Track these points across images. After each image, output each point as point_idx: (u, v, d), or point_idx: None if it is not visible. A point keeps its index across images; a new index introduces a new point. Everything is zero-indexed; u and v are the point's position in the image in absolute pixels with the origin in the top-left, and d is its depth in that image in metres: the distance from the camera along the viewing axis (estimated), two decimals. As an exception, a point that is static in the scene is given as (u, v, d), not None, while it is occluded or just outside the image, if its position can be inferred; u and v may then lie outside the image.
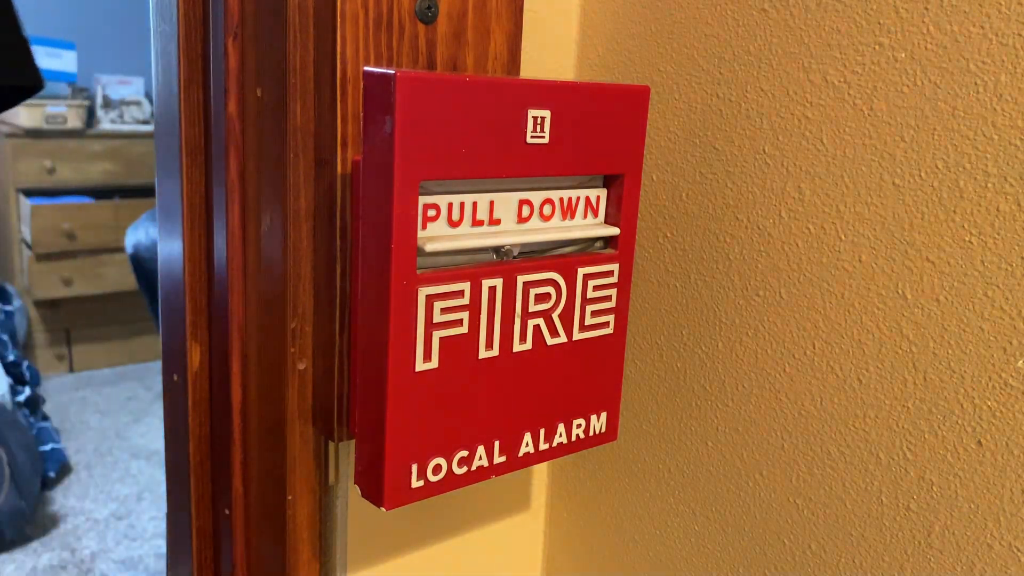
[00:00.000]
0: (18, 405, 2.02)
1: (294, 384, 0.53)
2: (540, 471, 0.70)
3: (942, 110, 0.43)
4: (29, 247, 2.66)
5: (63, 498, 1.99)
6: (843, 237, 0.48)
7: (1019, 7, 0.40)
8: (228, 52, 0.53)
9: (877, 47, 0.46)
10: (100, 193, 2.81)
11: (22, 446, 1.85)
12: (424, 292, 0.44)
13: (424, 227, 0.44)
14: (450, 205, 0.45)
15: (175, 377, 0.64)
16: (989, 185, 0.42)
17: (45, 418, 2.21)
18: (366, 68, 0.42)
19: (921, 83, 0.44)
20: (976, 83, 0.42)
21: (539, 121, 0.46)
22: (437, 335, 0.45)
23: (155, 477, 2.12)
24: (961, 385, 0.44)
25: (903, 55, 0.45)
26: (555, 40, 0.61)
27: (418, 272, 0.44)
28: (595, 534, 0.67)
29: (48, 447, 2.05)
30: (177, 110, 0.57)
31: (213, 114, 0.56)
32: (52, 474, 2.01)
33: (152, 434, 2.36)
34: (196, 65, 0.57)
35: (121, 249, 2.69)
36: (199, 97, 0.57)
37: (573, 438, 0.54)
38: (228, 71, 0.53)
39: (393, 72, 0.40)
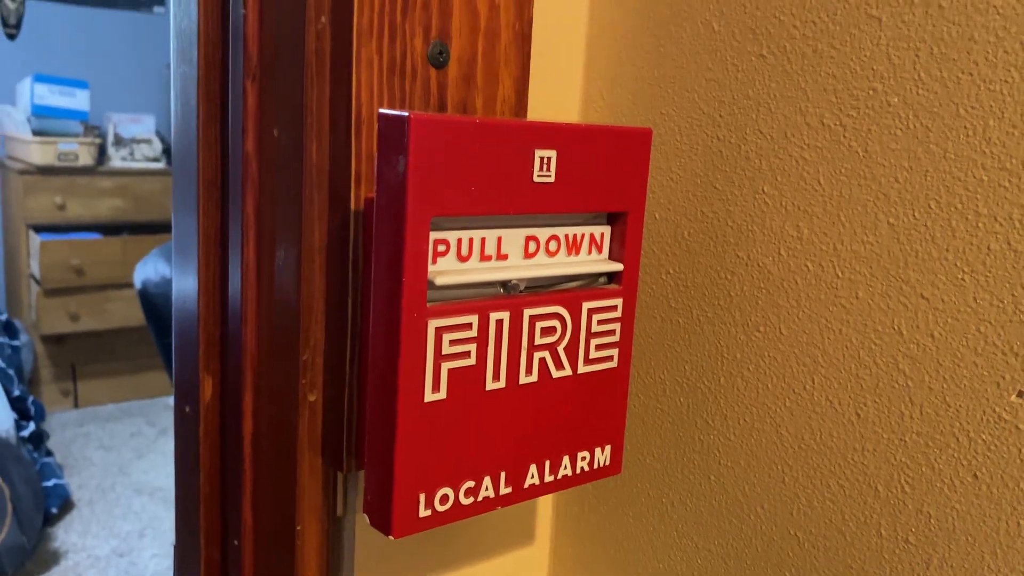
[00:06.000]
0: (22, 440, 2.03)
1: (304, 415, 0.54)
2: (544, 503, 0.71)
3: (934, 152, 0.45)
4: (38, 282, 2.68)
5: (65, 534, 1.99)
6: (840, 275, 0.50)
7: (1004, 55, 0.42)
8: (246, 93, 0.55)
9: (871, 92, 0.47)
10: (108, 229, 2.84)
11: (25, 481, 1.85)
12: (434, 324, 0.45)
13: (434, 261, 0.46)
14: (459, 240, 0.46)
15: (187, 409, 0.65)
16: (980, 225, 0.43)
17: (49, 453, 2.21)
18: (381, 110, 0.43)
19: (913, 126, 0.46)
20: (966, 127, 0.44)
21: (546, 161, 0.48)
22: (446, 366, 0.46)
23: (157, 514, 2.11)
24: (956, 419, 0.45)
25: (896, 100, 0.46)
26: (561, 83, 0.63)
27: (428, 305, 0.45)
28: (598, 566, 0.68)
29: (51, 483, 2.05)
30: (195, 147, 0.59)
31: (230, 152, 0.58)
32: (54, 510, 2.01)
33: (155, 470, 2.35)
34: (214, 105, 0.59)
35: (128, 285, 2.71)
36: (217, 135, 0.59)
37: (578, 470, 0.55)
38: (246, 111, 0.55)
39: (407, 115, 0.42)
